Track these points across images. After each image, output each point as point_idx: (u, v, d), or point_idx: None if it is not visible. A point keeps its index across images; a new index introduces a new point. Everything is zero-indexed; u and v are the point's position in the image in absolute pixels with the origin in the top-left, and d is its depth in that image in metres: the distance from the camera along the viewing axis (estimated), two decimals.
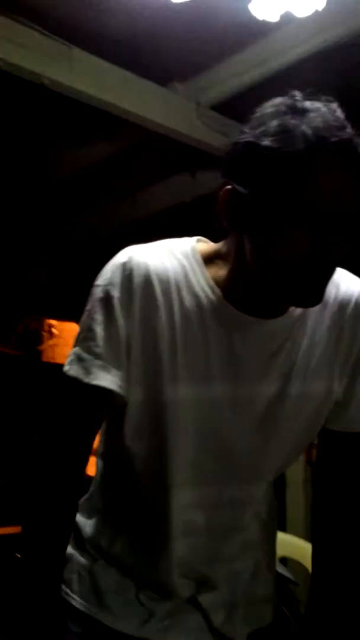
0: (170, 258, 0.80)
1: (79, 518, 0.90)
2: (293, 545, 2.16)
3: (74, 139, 3.03)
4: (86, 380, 0.77)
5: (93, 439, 0.83)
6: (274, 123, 0.70)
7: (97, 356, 0.77)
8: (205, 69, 2.51)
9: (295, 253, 0.70)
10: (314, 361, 0.83)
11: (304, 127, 0.68)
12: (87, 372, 0.77)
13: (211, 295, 0.78)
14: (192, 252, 0.81)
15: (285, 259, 0.71)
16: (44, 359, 7.67)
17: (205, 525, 0.85)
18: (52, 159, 3.24)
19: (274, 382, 0.82)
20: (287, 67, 2.31)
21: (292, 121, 0.70)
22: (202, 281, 0.79)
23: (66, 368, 0.80)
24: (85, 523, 0.90)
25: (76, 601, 0.86)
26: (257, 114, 0.74)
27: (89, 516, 0.91)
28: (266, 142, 0.70)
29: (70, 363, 0.79)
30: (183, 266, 0.79)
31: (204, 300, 0.78)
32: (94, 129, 2.87)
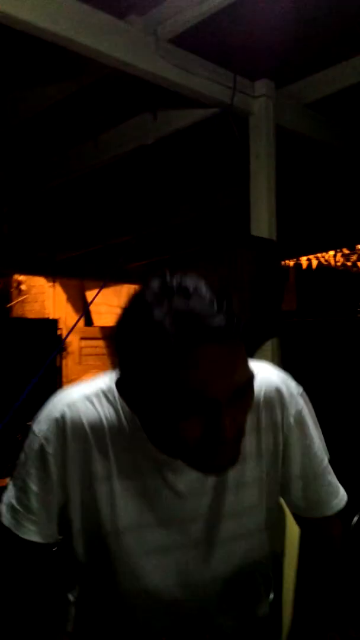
0: (104, 403, 0.85)
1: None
2: None
3: (29, 78, 2.92)
4: (17, 532, 0.85)
5: (46, 570, 0.89)
6: (147, 318, 0.71)
7: (28, 511, 0.84)
8: (162, 0, 2.42)
9: (192, 434, 0.72)
10: (244, 467, 0.88)
11: (172, 322, 0.69)
12: (19, 524, 0.85)
13: (143, 439, 0.82)
14: (116, 400, 0.85)
15: (183, 439, 0.73)
16: (14, 315, 7.60)
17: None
18: (6, 101, 3.12)
19: (208, 497, 0.87)
20: None
21: (162, 313, 0.70)
22: (135, 425, 0.83)
23: (2, 517, 0.87)
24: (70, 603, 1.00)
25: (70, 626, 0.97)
26: (135, 300, 0.75)
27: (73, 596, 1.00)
28: (142, 339, 0.71)
29: (5, 511, 0.87)
30: (117, 410, 0.84)
31: (137, 444, 0.83)
32: (50, 66, 2.76)
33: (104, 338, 13.19)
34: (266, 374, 0.91)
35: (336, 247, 6.66)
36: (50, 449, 0.83)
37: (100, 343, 13.36)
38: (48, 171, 4.10)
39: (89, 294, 10.28)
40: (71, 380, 11.77)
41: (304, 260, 7.05)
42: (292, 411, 0.90)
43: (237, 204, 3.43)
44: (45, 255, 5.67)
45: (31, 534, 0.84)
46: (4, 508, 0.87)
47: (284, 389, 0.90)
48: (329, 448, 0.95)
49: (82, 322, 12.67)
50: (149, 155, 3.67)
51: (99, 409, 0.84)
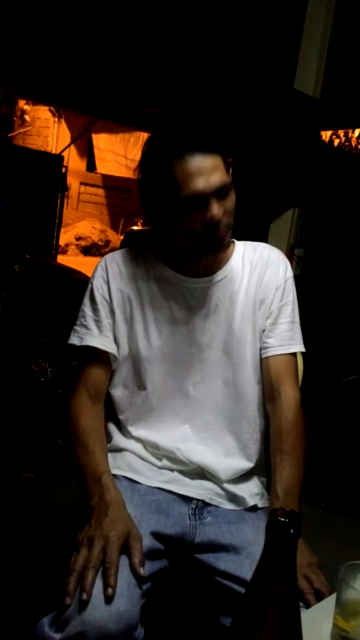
0: (133, 254, 1.17)
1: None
2: None
3: None
4: (80, 344, 1.13)
5: (102, 385, 1.14)
6: (155, 150, 1.03)
7: (86, 328, 1.14)
8: None
9: (194, 222, 1.01)
10: (243, 303, 1.13)
11: (167, 144, 1.00)
12: (81, 339, 1.13)
13: (164, 271, 1.14)
14: (146, 249, 1.18)
15: (189, 228, 1.02)
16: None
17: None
18: None
19: (220, 319, 1.13)
20: None
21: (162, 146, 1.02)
22: (156, 264, 1.15)
23: (69, 341, 1.15)
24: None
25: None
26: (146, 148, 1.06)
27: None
28: (151, 165, 1.03)
29: (70, 336, 1.15)
30: (143, 258, 1.16)
31: (160, 275, 1.14)
32: None
33: (104, 187, 12.74)
34: (269, 247, 1.18)
35: None
36: (96, 284, 1.15)
37: (100, 192, 12.94)
38: None
39: (96, 137, 9.71)
40: (67, 225, 11.55)
41: (326, 136, 6.62)
42: (280, 275, 1.15)
43: (284, 51, 3.08)
44: (52, 79, 5.19)
45: (89, 341, 1.12)
46: (71, 335, 1.15)
47: (280, 259, 1.16)
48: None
49: (84, 167, 12.14)
50: None
51: (131, 257, 1.17)
